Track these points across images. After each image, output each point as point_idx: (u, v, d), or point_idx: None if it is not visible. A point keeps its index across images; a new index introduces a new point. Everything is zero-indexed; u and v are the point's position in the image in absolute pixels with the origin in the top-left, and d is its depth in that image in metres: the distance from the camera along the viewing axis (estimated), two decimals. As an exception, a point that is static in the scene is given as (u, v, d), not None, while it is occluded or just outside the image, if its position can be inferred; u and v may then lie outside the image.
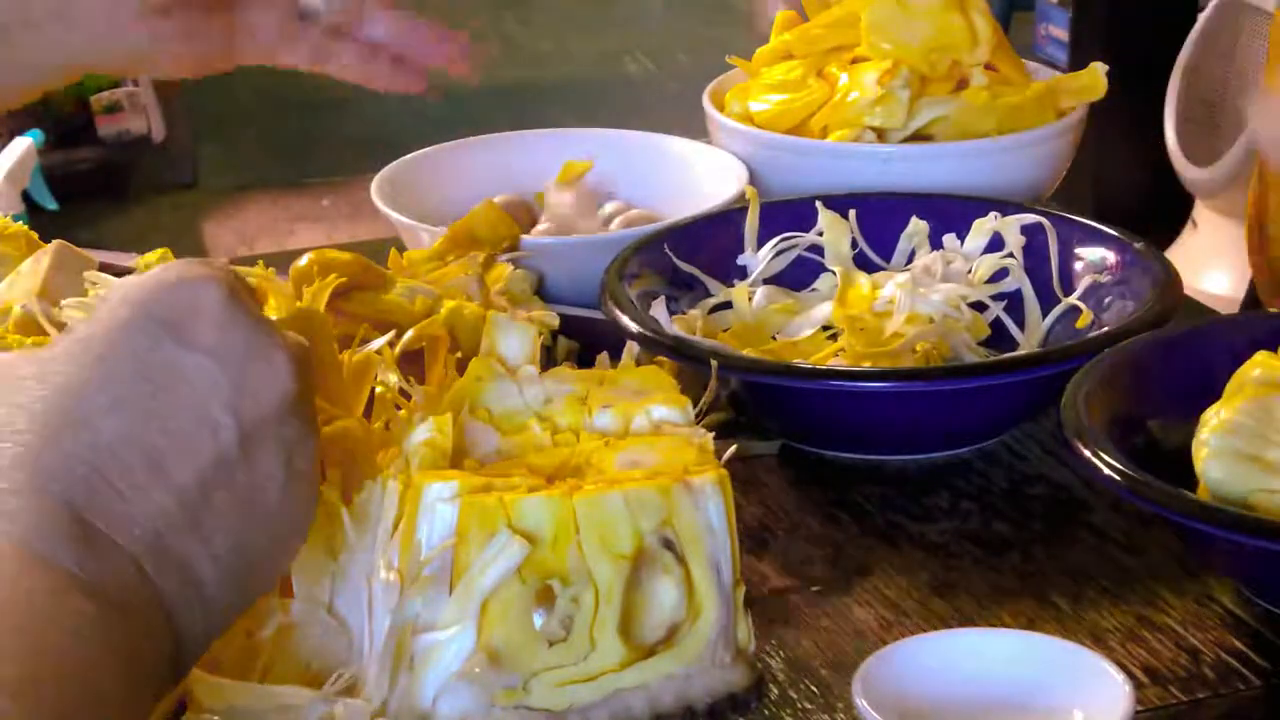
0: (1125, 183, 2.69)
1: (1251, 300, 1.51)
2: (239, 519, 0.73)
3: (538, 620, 0.83)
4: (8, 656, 0.63)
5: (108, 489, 0.70)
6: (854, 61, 1.42)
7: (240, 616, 0.76)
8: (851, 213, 1.27)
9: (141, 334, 0.73)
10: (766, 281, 1.25)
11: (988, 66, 1.43)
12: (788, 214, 1.28)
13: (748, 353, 1.15)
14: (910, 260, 1.26)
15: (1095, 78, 1.42)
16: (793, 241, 1.26)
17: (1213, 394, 0.99)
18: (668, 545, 0.85)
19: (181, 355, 0.73)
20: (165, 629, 0.71)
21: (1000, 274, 1.23)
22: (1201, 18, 2.56)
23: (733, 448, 0.94)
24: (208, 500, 0.72)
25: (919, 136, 1.40)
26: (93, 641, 0.66)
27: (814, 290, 1.25)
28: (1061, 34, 3.49)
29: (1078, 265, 1.22)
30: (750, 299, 1.22)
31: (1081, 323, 1.18)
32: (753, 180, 1.31)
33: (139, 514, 0.70)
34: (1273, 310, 1.29)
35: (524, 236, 1.29)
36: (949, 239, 1.26)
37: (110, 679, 0.66)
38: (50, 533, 0.68)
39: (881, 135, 1.39)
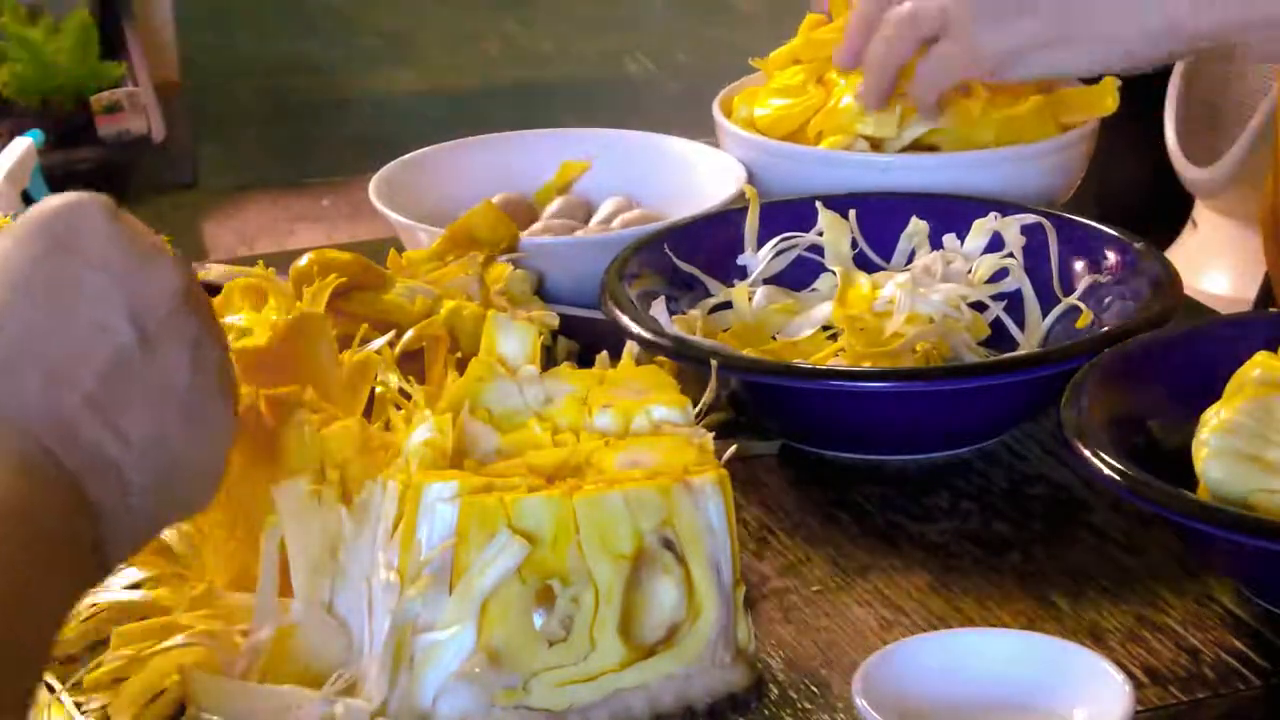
0: (1125, 183, 2.69)
1: (1264, 298, 1.50)
2: (149, 408, 0.77)
3: (538, 620, 0.83)
4: None
5: (10, 379, 0.74)
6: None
7: (175, 520, 0.82)
8: (851, 213, 1.27)
9: (32, 251, 0.77)
10: (766, 281, 1.25)
11: None
12: (788, 214, 1.28)
13: (748, 353, 1.15)
14: (910, 260, 1.26)
15: (1107, 92, 1.41)
16: (793, 241, 1.26)
17: (1213, 394, 0.99)
18: (668, 545, 0.85)
19: (72, 268, 0.77)
20: (81, 505, 0.74)
21: (1000, 274, 1.22)
22: (1202, 18, 2.56)
23: (733, 448, 0.94)
24: (112, 395, 0.76)
25: (921, 147, 1.40)
26: None
27: (814, 290, 1.25)
28: (1061, 34, 3.48)
29: (1078, 265, 1.22)
30: (750, 299, 1.22)
31: (1081, 323, 1.18)
32: (756, 186, 1.31)
33: (38, 408, 0.74)
34: (1273, 310, 1.29)
35: (524, 236, 1.29)
36: (949, 239, 1.26)
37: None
38: None
39: (877, 145, 1.39)
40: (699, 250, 1.25)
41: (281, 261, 1.14)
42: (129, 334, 0.77)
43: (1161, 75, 2.60)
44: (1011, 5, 1.27)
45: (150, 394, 0.77)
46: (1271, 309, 1.41)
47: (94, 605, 0.92)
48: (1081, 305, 1.19)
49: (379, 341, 1.03)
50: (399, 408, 0.94)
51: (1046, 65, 1.29)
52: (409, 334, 1.09)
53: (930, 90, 1.33)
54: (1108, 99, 1.41)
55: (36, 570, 0.70)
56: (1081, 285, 1.20)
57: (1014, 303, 1.22)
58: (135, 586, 0.93)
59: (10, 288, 0.76)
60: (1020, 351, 1.19)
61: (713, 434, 0.90)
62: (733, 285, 1.23)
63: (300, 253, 1.14)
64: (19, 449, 0.73)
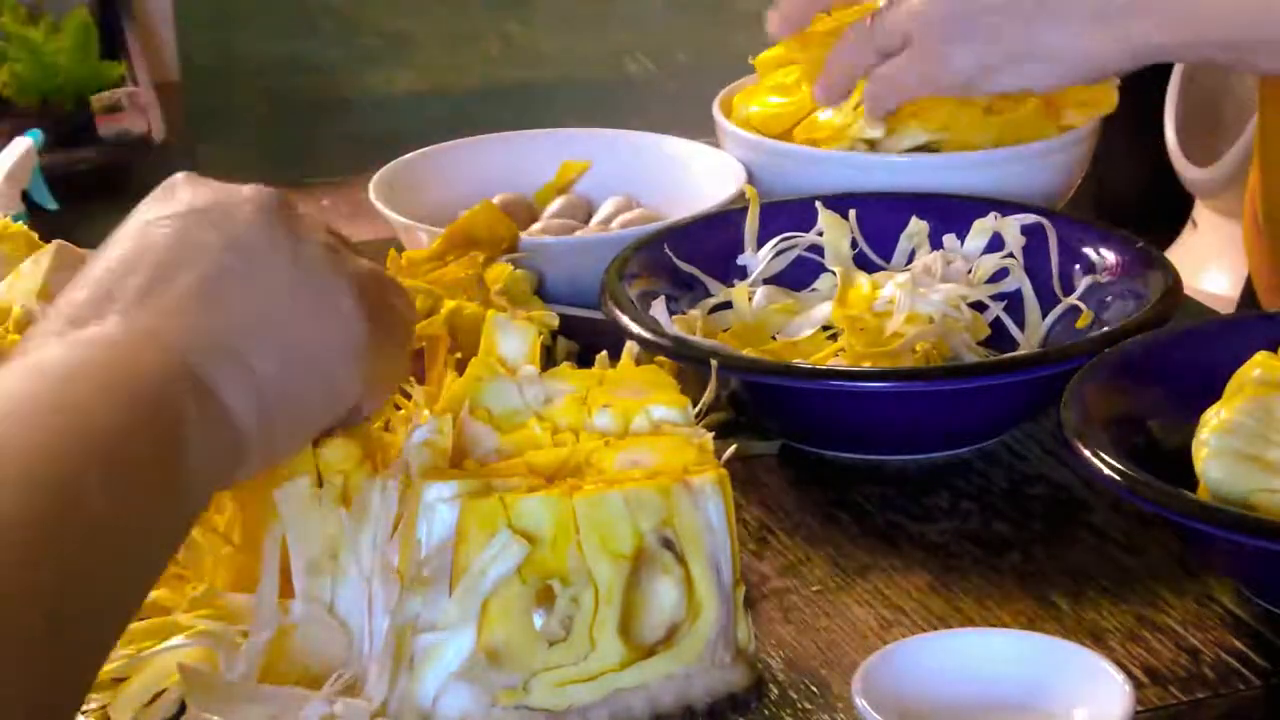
0: (1125, 183, 2.69)
1: (1247, 297, 1.50)
2: (258, 301, 0.81)
3: (538, 620, 0.83)
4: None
5: (161, 289, 0.78)
6: None
7: (315, 423, 0.83)
8: (851, 213, 1.27)
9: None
10: (766, 281, 1.24)
11: None
12: (787, 214, 1.28)
13: (748, 353, 1.15)
14: (910, 260, 1.26)
15: (1106, 90, 1.40)
16: (793, 241, 1.26)
17: (1213, 394, 0.99)
18: (667, 545, 0.85)
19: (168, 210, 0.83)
20: (214, 403, 0.76)
21: (1000, 274, 1.22)
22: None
23: (733, 448, 0.94)
24: (264, 311, 0.80)
25: (920, 147, 1.39)
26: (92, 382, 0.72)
27: (814, 290, 1.25)
28: (1061, 34, 3.48)
29: (1078, 265, 1.22)
30: (750, 299, 1.22)
31: (1081, 323, 1.18)
32: (756, 186, 1.31)
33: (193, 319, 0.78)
34: (1272, 310, 1.29)
35: (524, 236, 1.29)
36: (949, 239, 1.26)
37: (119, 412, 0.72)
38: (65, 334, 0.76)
39: (874, 147, 1.39)
40: (699, 250, 1.25)
41: (281, 261, 1.14)
42: (217, 244, 0.81)
43: (1161, 75, 2.60)
44: (977, 28, 1.28)
45: (256, 290, 0.80)
46: (1260, 308, 1.41)
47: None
48: (1081, 305, 1.19)
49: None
50: (399, 408, 0.94)
51: (1014, 81, 1.30)
52: (409, 334, 1.08)
53: (878, 104, 1.35)
54: (1108, 99, 1.41)
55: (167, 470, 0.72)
56: (1081, 285, 1.20)
57: (1014, 303, 1.22)
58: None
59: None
60: (1020, 351, 1.19)
61: (713, 434, 0.90)
62: (733, 285, 1.23)
63: (300, 253, 1.14)
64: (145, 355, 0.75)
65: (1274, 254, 1.42)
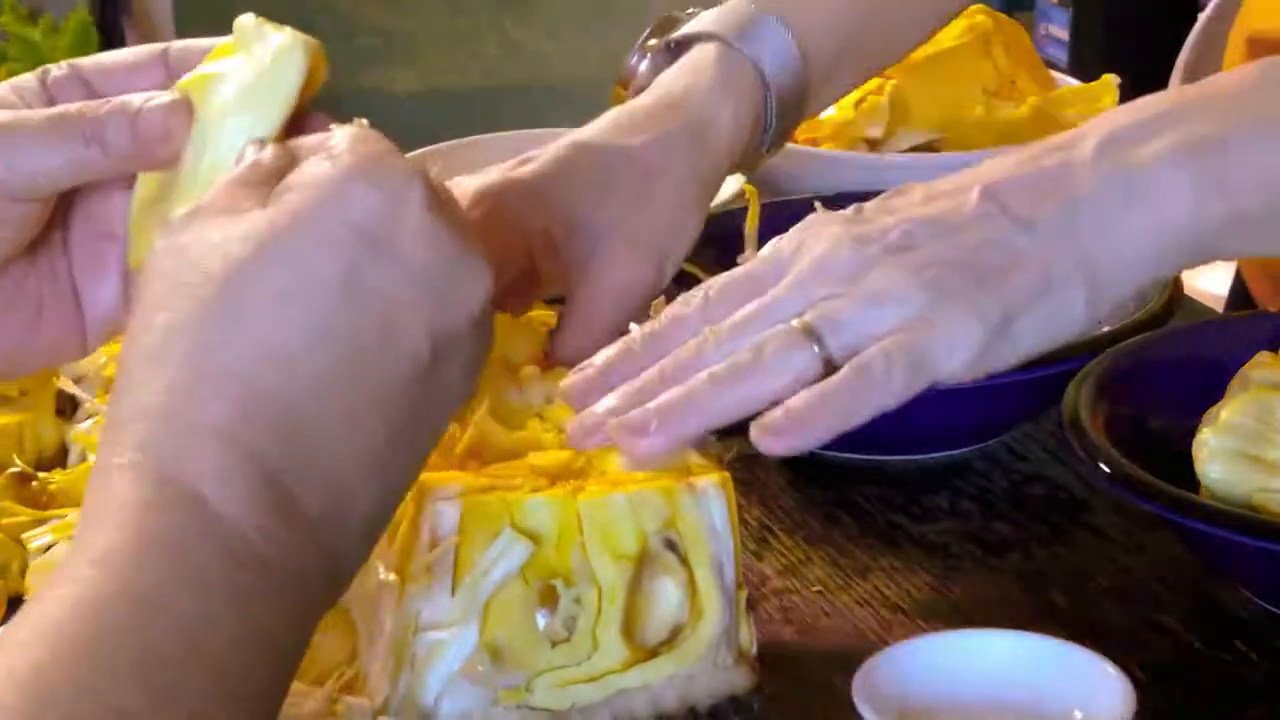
0: (1125, 183, 2.69)
1: (1237, 295, 1.50)
2: (417, 440, 0.71)
3: (541, 621, 0.83)
4: (169, 626, 0.61)
5: (299, 443, 0.66)
6: None
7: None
8: (851, 213, 1.27)
9: (343, 253, 0.67)
10: (767, 281, 1.24)
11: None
12: (788, 214, 1.27)
13: (748, 353, 1.15)
14: (910, 260, 1.26)
15: (1105, 89, 1.40)
16: (793, 241, 1.26)
17: (1213, 394, 0.99)
18: (671, 547, 0.85)
19: (384, 276, 0.68)
20: (331, 583, 0.68)
21: (1000, 274, 1.22)
22: (1202, 18, 2.56)
23: (734, 449, 0.94)
24: (391, 441, 0.69)
25: (921, 147, 1.40)
26: (249, 632, 0.63)
27: (814, 290, 1.25)
28: (1061, 34, 3.48)
29: (1078, 265, 1.22)
30: (750, 299, 1.22)
31: (1081, 323, 1.18)
32: (756, 186, 1.31)
33: (327, 472, 0.67)
34: (1271, 310, 1.29)
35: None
36: (949, 239, 1.26)
37: (262, 667, 0.64)
38: (242, 493, 0.64)
39: (874, 146, 1.39)
40: (699, 250, 1.24)
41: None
42: (424, 354, 0.69)
43: (1162, 76, 2.60)
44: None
45: (418, 422, 0.70)
46: (1249, 300, 1.41)
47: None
48: (1081, 305, 1.19)
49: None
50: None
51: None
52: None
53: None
54: (1107, 99, 1.41)
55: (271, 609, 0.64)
56: (1081, 285, 1.20)
57: (1014, 303, 1.22)
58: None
59: (308, 313, 0.67)
60: (1020, 351, 1.18)
61: (714, 435, 0.90)
62: (733, 285, 1.23)
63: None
64: (292, 554, 0.65)
65: None
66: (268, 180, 0.71)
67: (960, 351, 0.81)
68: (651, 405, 0.81)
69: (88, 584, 0.62)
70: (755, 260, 0.87)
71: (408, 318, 0.68)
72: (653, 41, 1.10)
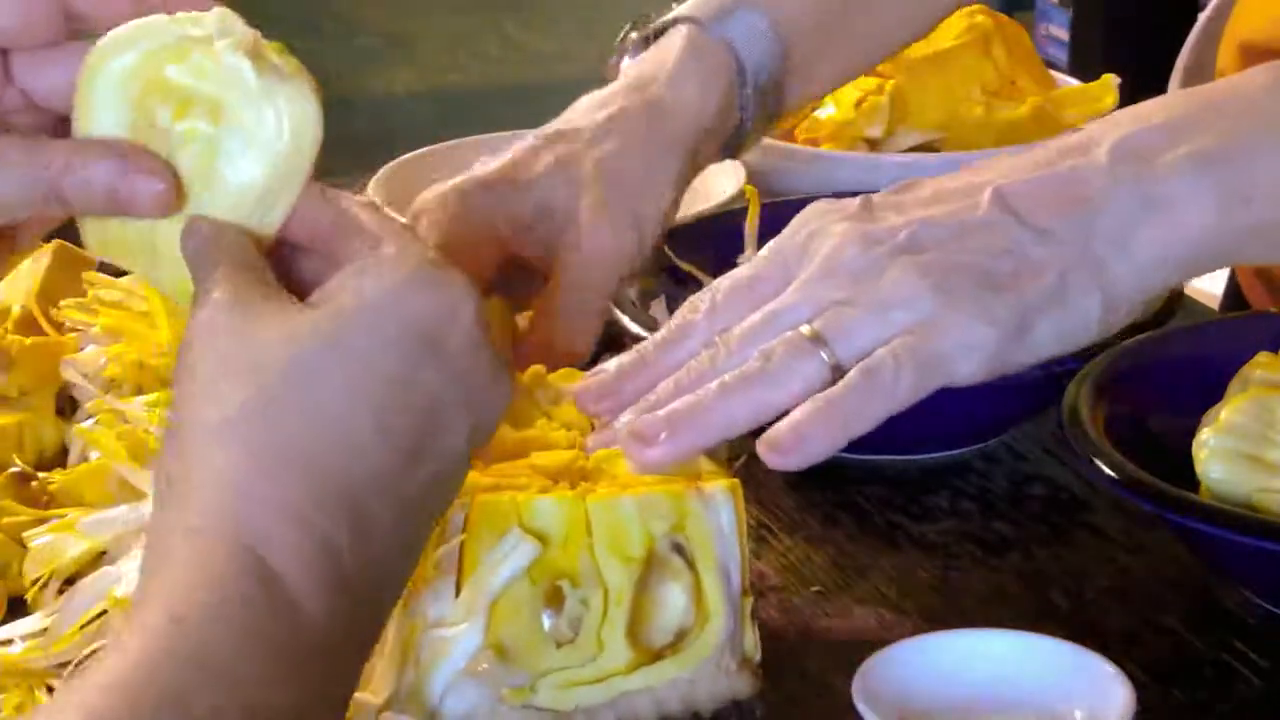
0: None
1: (1231, 296, 1.50)
2: (432, 521, 0.75)
3: (546, 622, 0.83)
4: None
5: (360, 528, 0.69)
6: None
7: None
8: (851, 213, 1.27)
9: (405, 352, 0.71)
10: (766, 281, 1.24)
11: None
12: (788, 214, 1.27)
13: (748, 353, 1.15)
14: (910, 260, 1.26)
15: (1105, 90, 1.40)
16: (793, 241, 1.26)
17: (1213, 394, 0.99)
18: (678, 550, 0.85)
19: (438, 379, 0.72)
20: (366, 637, 0.72)
21: (1000, 274, 1.22)
22: (1201, 18, 2.56)
23: (742, 456, 0.93)
24: (427, 526, 0.74)
25: (921, 147, 1.40)
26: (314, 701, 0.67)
27: (814, 290, 1.25)
28: (1062, 34, 3.49)
29: (1078, 265, 1.22)
30: (750, 299, 1.22)
31: (1081, 323, 1.18)
32: (756, 186, 1.31)
33: (376, 554, 0.70)
34: (1270, 310, 1.29)
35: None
36: (949, 239, 1.26)
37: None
38: (313, 570, 0.68)
39: (874, 146, 1.39)
40: (699, 250, 1.25)
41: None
42: (464, 453, 0.74)
43: (1162, 76, 2.60)
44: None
45: (436, 497, 0.75)
46: (1242, 298, 1.41)
47: (95, 607, 0.92)
48: (1081, 305, 1.19)
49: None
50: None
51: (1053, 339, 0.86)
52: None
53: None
54: (1107, 98, 1.41)
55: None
56: (1081, 285, 1.20)
57: (1014, 303, 1.22)
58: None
59: (372, 406, 0.70)
60: (1020, 351, 1.18)
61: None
62: (733, 285, 1.23)
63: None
64: (339, 630, 0.69)
65: None
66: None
67: (975, 353, 0.81)
68: (661, 413, 0.82)
69: (164, 637, 0.65)
70: (760, 260, 0.86)
71: (453, 418, 0.72)
72: (633, 36, 1.11)
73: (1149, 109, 0.86)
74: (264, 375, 0.69)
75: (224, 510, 0.68)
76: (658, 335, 0.86)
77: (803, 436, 0.80)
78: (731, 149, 1.12)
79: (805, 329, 0.81)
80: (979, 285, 0.81)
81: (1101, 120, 0.87)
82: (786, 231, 0.87)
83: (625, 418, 0.83)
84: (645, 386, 0.84)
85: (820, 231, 0.85)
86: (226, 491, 0.68)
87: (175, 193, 0.74)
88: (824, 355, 0.81)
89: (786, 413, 0.80)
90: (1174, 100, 0.86)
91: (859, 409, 0.80)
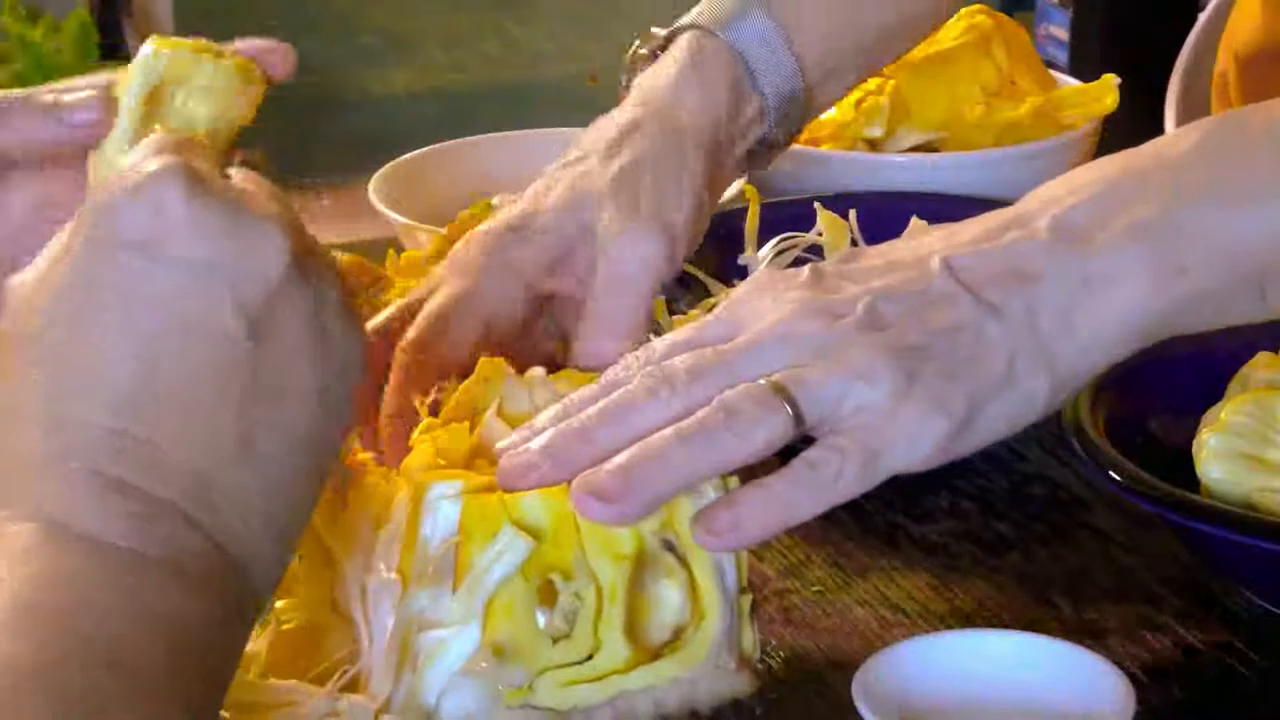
0: (1125, 183, 2.69)
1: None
2: (278, 412, 0.70)
3: (541, 619, 0.83)
4: (44, 642, 0.62)
5: (136, 445, 0.67)
6: None
7: (315, 496, 0.73)
8: (851, 213, 1.27)
9: (118, 267, 0.69)
10: (767, 281, 1.24)
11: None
12: (788, 214, 1.28)
13: (748, 353, 1.15)
14: (910, 260, 1.26)
15: (1105, 90, 1.40)
16: (793, 241, 1.26)
17: (1213, 394, 0.99)
18: (669, 547, 0.85)
19: (165, 276, 0.69)
20: (225, 568, 0.68)
21: (1000, 274, 1.22)
22: (1201, 18, 2.56)
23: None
24: (243, 416, 0.69)
25: (921, 147, 1.39)
26: (140, 617, 0.64)
27: (814, 290, 1.24)
28: (1062, 34, 3.48)
29: (1078, 265, 1.22)
30: (750, 299, 1.22)
31: (1081, 323, 1.18)
32: (756, 186, 1.31)
33: (175, 462, 0.67)
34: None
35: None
36: (949, 239, 1.26)
37: (160, 649, 0.64)
38: (87, 510, 0.66)
39: (874, 146, 1.39)
40: (699, 250, 1.25)
41: (282, 261, 1.14)
42: (237, 332, 0.69)
43: (1162, 76, 2.60)
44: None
45: (273, 393, 0.70)
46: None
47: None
48: (1081, 305, 1.19)
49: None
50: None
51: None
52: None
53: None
54: (1107, 98, 1.41)
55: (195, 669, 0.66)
56: (1081, 285, 1.20)
57: (1014, 303, 1.22)
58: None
59: (111, 329, 0.68)
60: (1020, 351, 1.18)
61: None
62: (733, 285, 1.23)
63: (301, 253, 1.14)
64: (164, 542, 0.67)
65: None
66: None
67: (921, 447, 0.82)
68: (615, 464, 0.80)
69: None
70: (705, 322, 0.86)
71: (200, 307, 0.69)
72: (643, 51, 1.11)
73: (1082, 178, 0.86)
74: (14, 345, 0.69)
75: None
76: (583, 390, 0.85)
77: (739, 522, 0.80)
78: (761, 157, 1.11)
79: (766, 382, 0.81)
80: (941, 372, 0.81)
81: (1039, 192, 0.87)
82: (736, 295, 0.87)
83: (542, 440, 0.83)
84: (581, 461, 0.81)
85: (772, 299, 0.85)
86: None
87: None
88: (788, 410, 0.80)
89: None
90: (1109, 170, 0.87)
91: (799, 502, 0.80)
